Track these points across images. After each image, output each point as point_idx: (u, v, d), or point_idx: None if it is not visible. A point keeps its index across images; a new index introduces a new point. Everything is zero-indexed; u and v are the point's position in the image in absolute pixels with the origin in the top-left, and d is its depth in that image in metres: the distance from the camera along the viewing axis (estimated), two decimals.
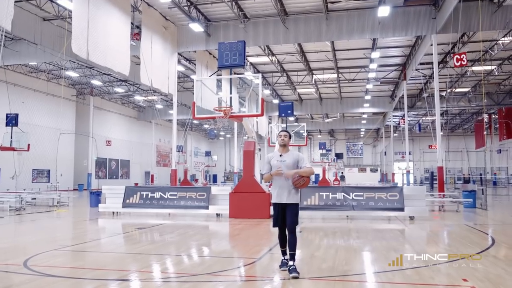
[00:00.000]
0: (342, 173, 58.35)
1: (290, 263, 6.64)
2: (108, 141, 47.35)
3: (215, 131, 67.57)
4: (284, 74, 37.12)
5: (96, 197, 20.78)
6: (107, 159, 48.68)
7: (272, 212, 7.14)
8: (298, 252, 8.88)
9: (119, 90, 43.37)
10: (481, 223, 14.57)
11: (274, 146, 27.33)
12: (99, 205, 18.19)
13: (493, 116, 53.14)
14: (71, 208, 21.23)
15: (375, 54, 30.72)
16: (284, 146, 6.87)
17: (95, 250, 9.57)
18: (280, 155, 6.80)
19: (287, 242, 6.73)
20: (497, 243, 9.86)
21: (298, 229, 11.10)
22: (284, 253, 6.87)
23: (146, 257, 8.39)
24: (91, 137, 42.99)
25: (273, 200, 6.77)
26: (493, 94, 42.71)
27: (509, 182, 61.63)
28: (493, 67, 34.55)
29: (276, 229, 6.84)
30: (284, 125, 30.81)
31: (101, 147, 45.26)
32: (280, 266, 6.90)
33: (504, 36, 27.14)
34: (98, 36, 18.60)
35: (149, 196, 17.06)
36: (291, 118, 49.70)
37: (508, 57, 32.42)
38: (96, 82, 40.20)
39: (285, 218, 6.66)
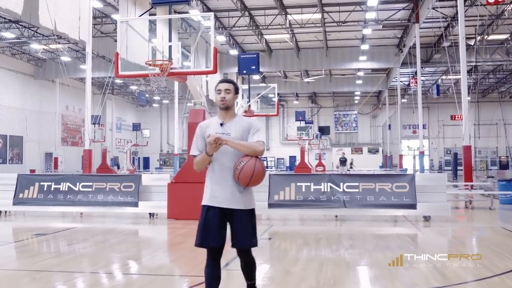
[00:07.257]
0: (343, 154, 55.35)
1: None
2: None
3: (147, 95, 67.05)
4: (246, 13, 36.94)
5: None
6: None
7: None
8: (267, 267, 8.96)
9: (8, 35, 42.41)
10: None
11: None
12: None
13: None
14: None
15: None
16: (227, 108, 5.64)
17: None
18: (221, 124, 5.61)
19: (245, 266, 5.79)
20: None
21: (266, 235, 11.11)
22: None
23: (48, 275, 8.36)
24: None
25: (206, 202, 5.56)
26: None
27: None
28: None
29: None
30: (246, 87, 30.71)
31: None
32: None
33: None
34: None
35: (52, 189, 16.83)
36: (256, 77, 49.60)
37: None
38: None
39: (228, 233, 5.53)
